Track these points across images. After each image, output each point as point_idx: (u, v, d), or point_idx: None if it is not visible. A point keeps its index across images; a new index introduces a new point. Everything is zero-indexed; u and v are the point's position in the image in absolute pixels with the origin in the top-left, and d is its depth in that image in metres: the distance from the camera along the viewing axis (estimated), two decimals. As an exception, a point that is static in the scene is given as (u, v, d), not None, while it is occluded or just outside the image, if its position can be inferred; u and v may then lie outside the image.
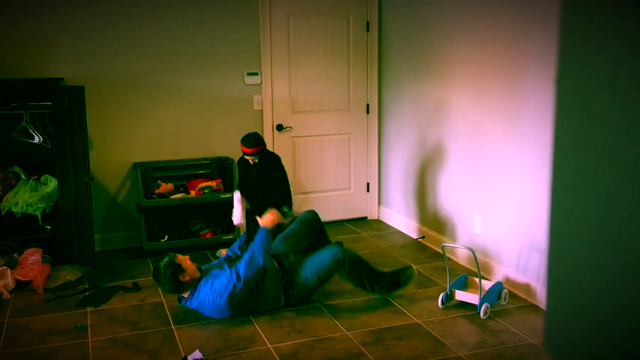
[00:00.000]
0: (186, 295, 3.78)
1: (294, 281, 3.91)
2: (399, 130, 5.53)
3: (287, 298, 3.91)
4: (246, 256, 3.83)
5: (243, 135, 4.52)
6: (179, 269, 3.69)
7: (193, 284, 3.77)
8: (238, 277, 3.73)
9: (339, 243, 4.19)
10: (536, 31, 3.80)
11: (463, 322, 3.72)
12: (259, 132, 5.48)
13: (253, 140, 4.44)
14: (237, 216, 4.44)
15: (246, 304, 3.79)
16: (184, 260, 3.74)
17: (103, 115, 5.02)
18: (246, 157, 4.46)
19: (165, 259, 3.71)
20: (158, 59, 5.12)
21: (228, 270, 3.80)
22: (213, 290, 3.72)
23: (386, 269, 4.13)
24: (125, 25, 5.00)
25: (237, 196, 4.46)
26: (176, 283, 3.70)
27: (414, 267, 4.10)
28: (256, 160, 4.46)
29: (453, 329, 3.63)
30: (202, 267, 3.95)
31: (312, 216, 4.35)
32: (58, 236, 4.68)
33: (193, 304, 3.77)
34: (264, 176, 4.57)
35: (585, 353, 1.07)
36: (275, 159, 4.63)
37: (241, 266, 3.77)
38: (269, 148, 5.55)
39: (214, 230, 5.17)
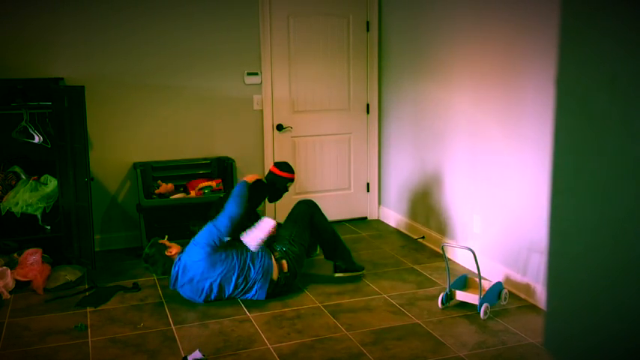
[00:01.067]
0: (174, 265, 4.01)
1: (281, 243, 4.16)
2: (399, 130, 5.53)
3: (276, 255, 4.08)
4: (225, 210, 4.07)
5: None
6: (163, 247, 4.02)
7: (179, 257, 4.00)
8: (218, 229, 3.95)
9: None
10: (536, 31, 3.80)
11: (463, 322, 3.72)
12: (259, 132, 5.49)
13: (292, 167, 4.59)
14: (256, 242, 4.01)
15: (230, 260, 3.93)
16: (166, 241, 4.09)
17: (103, 115, 5.02)
18: (288, 185, 4.55)
19: (149, 243, 4.07)
20: (158, 59, 5.12)
21: (208, 225, 4.02)
22: (195, 243, 3.95)
23: (372, 272, 4.46)
24: (125, 25, 5.00)
25: (271, 223, 4.08)
26: (164, 258, 3.99)
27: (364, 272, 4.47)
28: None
29: (453, 329, 3.63)
30: None
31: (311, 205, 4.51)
32: (58, 236, 4.68)
33: (180, 267, 3.93)
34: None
35: (585, 353, 1.07)
36: None
37: (220, 218, 4.02)
38: (269, 148, 5.56)
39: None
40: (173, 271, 3.95)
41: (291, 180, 4.55)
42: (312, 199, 4.56)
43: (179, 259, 3.97)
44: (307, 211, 4.35)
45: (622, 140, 0.95)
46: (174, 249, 4.03)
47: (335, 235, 4.44)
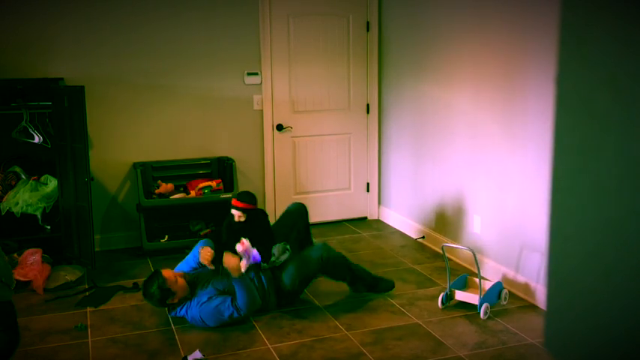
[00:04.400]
0: (175, 308, 3.73)
1: (280, 287, 3.86)
2: (399, 129, 5.53)
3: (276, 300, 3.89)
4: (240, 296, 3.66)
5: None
6: (168, 293, 3.61)
7: (184, 303, 3.70)
8: (237, 309, 3.62)
9: (323, 244, 4.06)
10: (536, 30, 3.80)
11: (463, 322, 3.72)
12: (259, 132, 5.49)
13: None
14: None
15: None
16: (174, 283, 3.62)
17: (102, 115, 5.02)
18: (232, 209, 3.98)
19: (154, 284, 3.59)
20: (158, 59, 5.12)
21: (224, 300, 3.66)
22: (206, 311, 3.63)
23: (373, 272, 4.19)
24: (125, 25, 5.00)
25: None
26: (165, 305, 3.69)
27: (394, 282, 4.17)
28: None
29: (453, 329, 3.63)
30: (191, 273, 3.85)
31: (297, 208, 4.32)
32: (58, 236, 4.67)
33: (182, 314, 3.71)
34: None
35: (586, 354, 1.07)
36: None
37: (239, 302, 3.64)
38: (269, 148, 5.56)
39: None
40: (176, 313, 3.72)
41: (235, 207, 3.93)
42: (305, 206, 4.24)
43: (180, 310, 3.69)
44: (296, 222, 4.11)
45: (623, 140, 0.95)
46: (177, 297, 3.64)
47: (346, 264, 4.00)
